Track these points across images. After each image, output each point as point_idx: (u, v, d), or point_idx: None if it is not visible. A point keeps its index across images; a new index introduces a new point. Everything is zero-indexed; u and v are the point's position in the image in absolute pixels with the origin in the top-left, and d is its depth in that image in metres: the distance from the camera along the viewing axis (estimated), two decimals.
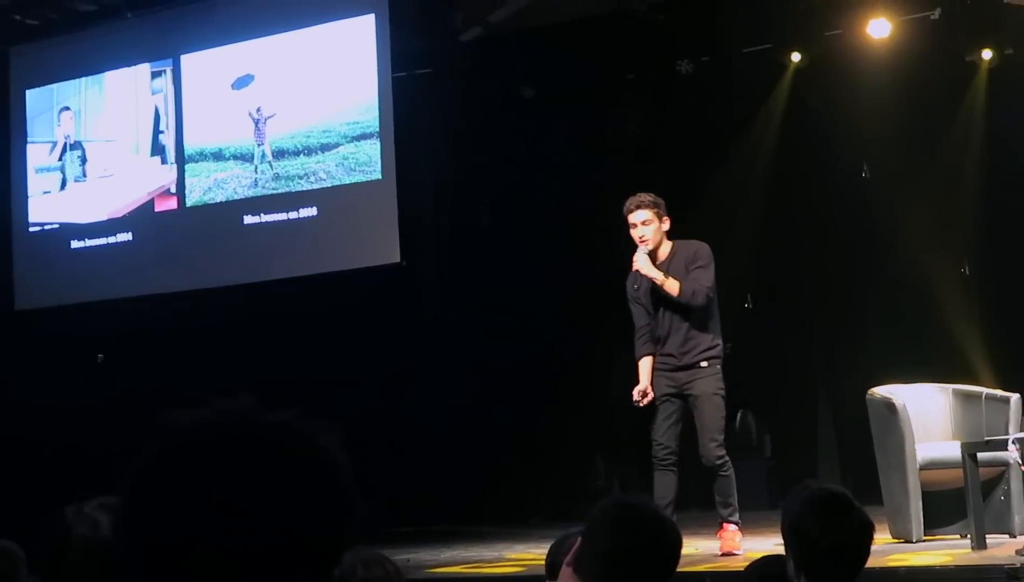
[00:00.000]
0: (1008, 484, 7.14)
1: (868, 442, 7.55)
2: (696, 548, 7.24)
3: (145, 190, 10.70)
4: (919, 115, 10.20)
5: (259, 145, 10.23)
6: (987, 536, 6.62)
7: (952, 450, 6.97)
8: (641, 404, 7.18)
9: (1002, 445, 6.75)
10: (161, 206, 10.65)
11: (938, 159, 10.31)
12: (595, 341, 11.20)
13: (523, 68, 11.19)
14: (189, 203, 10.51)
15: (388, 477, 9.77)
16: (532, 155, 11.28)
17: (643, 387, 7.17)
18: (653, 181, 11.34)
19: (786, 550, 3.04)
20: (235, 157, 10.32)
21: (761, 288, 10.92)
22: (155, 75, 10.70)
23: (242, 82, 10.31)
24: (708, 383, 6.99)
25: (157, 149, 10.68)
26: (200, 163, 10.45)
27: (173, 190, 10.58)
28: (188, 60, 10.55)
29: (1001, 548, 6.56)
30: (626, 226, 7.14)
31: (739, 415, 10.71)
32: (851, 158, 10.59)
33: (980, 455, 6.78)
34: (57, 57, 10.99)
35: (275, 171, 10.15)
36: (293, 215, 10.04)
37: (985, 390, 7.66)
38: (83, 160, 10.99)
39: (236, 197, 10.32)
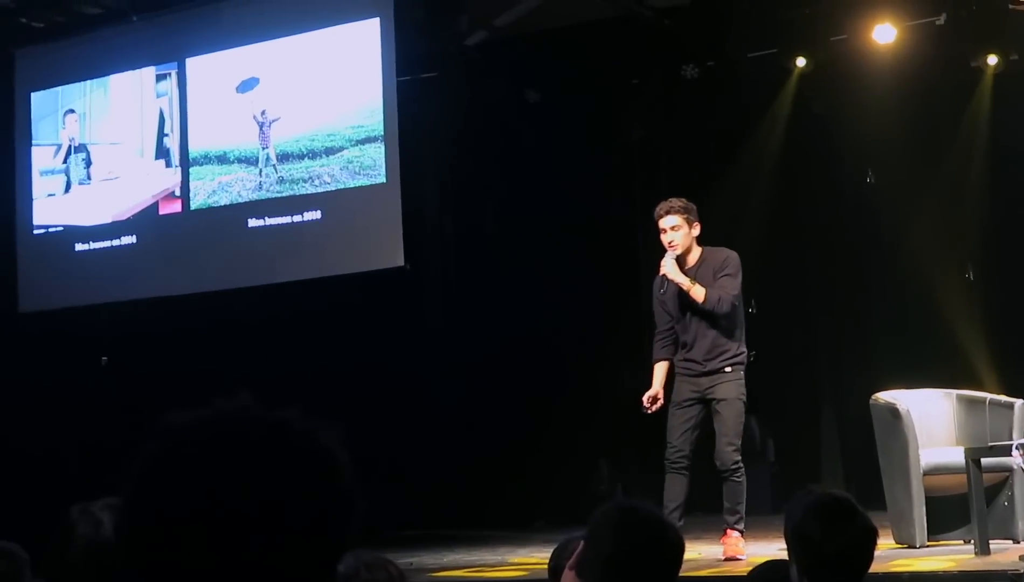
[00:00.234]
0: (1012, 490, 7.13)
1: (872, 447, 7.54)
2: (699, 553, 7.24)
3: (149, 193, 10.71)
4: (924, 120, 10.19)
5: (263, 148, 10.23)
6: (990, 542, 6.62)
7: (956, 456, 6.97)
8: (650, 411, 7.18)
9: (1006, 451, 6.74)
10: (165, 209, 10.65)
11: (943, 164, 10.31)
12: (599, 345, 11.21)
13: (528, 72, 11.20)
14: (193, 206, 10.52)
15: (391, 480, 9.78)
16: (536, 159, 11.28)
17: (653, 393, 7.17)
18: (658, 186, 11.39)
19: (789, 555, 3.04)
20: (239, 160, 10.32)
21: (765, 293, 10.90)
22: (160, 78, 10.70)
23: (247, 85, 10.32)
24: (731, 388, 7.01)
25: (162, 152, 10.69)
26: (204, 166, 10.45)
27: (177, 193, 10.58)
28: (193, 63, 10.55)
29: (1004, 554, 6.56)
30: (656, 230, 7.15)
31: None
32: (856, 163, 10.60)
33: (984, 461, 6.78)
34: (62, 60, 11.00)
35: (279, 174, 10.15)
36: (297, 218, 10.04)
37: (989, 396, 7.65)
38: (87, 163, 10.99)
39: (240, 200, 10.32)
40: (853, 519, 2.96)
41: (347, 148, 9.88)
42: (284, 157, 10.14)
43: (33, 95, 11.22)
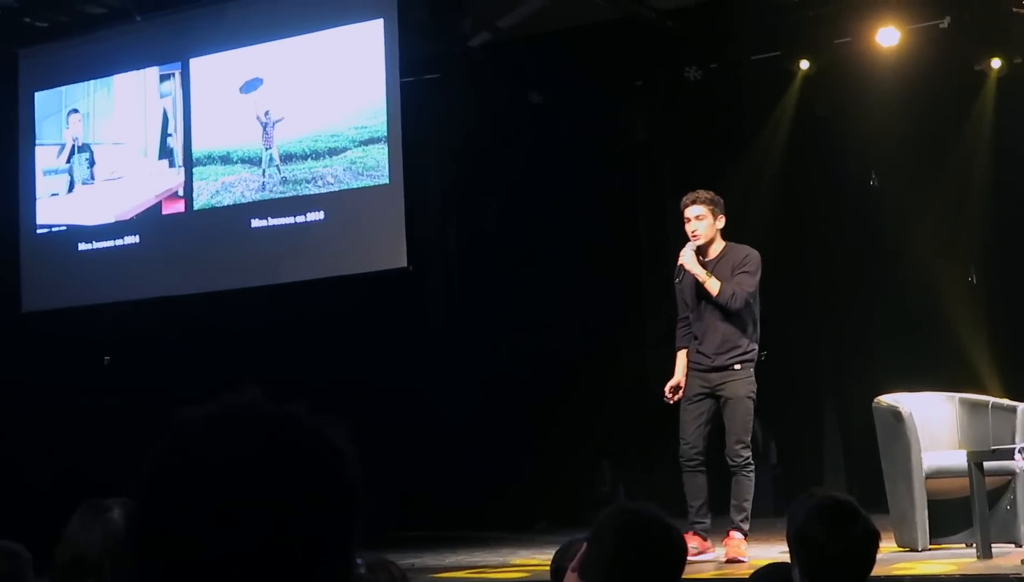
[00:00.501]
0: (1014, 493, 7.13)
1: (874, 450, 7.54)
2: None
3: (153, 193, 10.71)
4: (927, 124, 10.19)
5: (267, 149, 10.24)
6: (993, 545, 6.62)
7: (958, 459, 6.97)
8: (672, 400, 7.25)
9: (1008, 454, 6.74)
10: (168, 209, 10.66)
11: (946, 168, 10.31)
12: (602, 347, 11.21)
13: (531, 74, 11.20)
14: (196, 206, 10.52)
15: (394, 482, 9.78)
16: (539, 161, 11.29)
17: (675, 382, 7.25)
18: (661, 188, 11.40)
19: (791, 558, 3.04)
20: (243, 161, 10.33)
21: (768, 294, 10.89)
22: (164, 78, 10.71)
23: (250, 86, 10.32)
24: (740, 386, 7.06)
25: (165, 152, 10.69)
26: (208, 166, 10.46)
27: (181, 193, 10.59)
28: (197, 63, 10.56)
29: (1007, 557, 6.56)
30: (681, 221, 7.22)
31: None
32: (859, 166, 10.59)
33: (986, 464, 6.78)
34: (66, 60, 11.01)
35: (283, 175, 10.16)
36: (300, 219, 10.04)
37: (992, 399, 7.65)
38: (91, 163, 11.00)
39: (244, 201, 10.33)
40: (855, 522, 2.96)
41: (350, 149, 9.88)
42: (287, 158, 10.14)
43: (37, 95, 11.23)
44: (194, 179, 10.51)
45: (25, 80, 11.24)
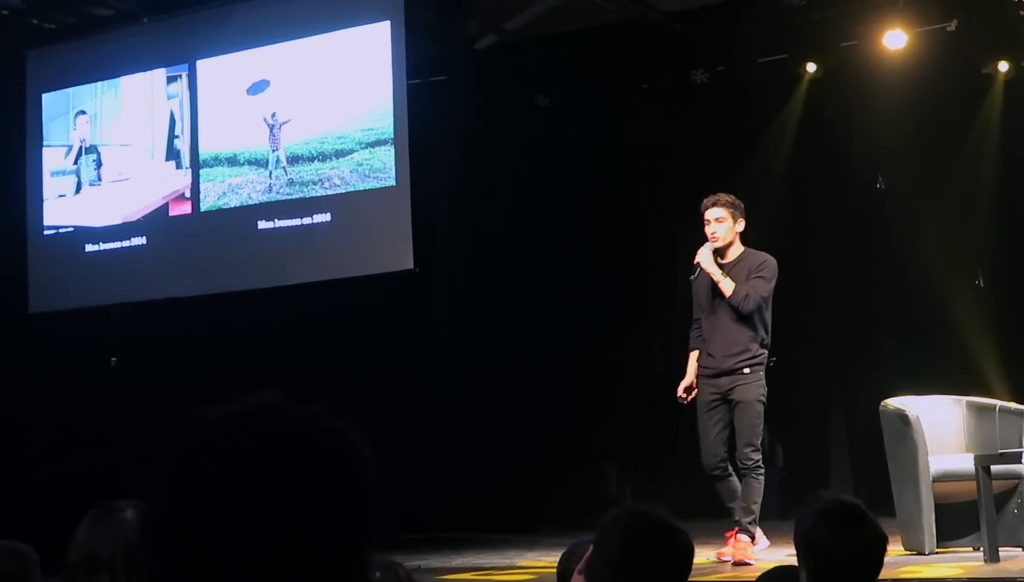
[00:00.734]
0: (1021, 497, 7.12)
1: (881, 454, 7.53)
2: (708, 557, 7.23)
3: (159, 194, 10.72)
4: (934, 127, 10.18)
5: (274, 151, 10.25)
6: (1000, 549, 6.61)
7: (965, 462, 6.96)
8: (687, 401, 7.31)
9: (1016, 458, 6.73)
10: (175, 210, 10.67)
11: (954, 171, 10.29)
12: (608, 349, 11.20)
13: (538, 76, 11.20)
14: (203, 208, 10.53)
15: (400, 483, 9.77)
16: (546, 163, 11.29)
17: (688, 382, 7.33)
18: (667, 190, 11.40)
19: (799, 561, 3.03)
20: (250, 162, 10.33)
21: (774, 297, 10.88)
22: (171, 80, 10.72)
23: (257, 88, 10.33)
24: (750, 389, 7.13)
25: (172, 154, 10.70)
26: (215, 168, 10.47)
27: (187, 195, 10.59)
28: (204, 65, 10.57)
29: (1014, 561, 6.55)
30: (701, 222, 7.32)
31: None
32: (866, 169, 10.58)
33: (993, 468, 6.77)
34: (74, 61, 11.02)
35: (289, 177, 10.16)
36: (307, 221, 10.05)
37: (999, 402, 7.64)
38: (98, 164, 11.01)
39: (250, 202, 10.33)
40: (863, 525, 2.96)
41: (357, 151, 9.89)
42: (294, 159, 10.15)
43: (44, 96, 11.25)
44: (201, 181, 10.52)
45: (32, 81, 11.25)
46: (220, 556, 1.11)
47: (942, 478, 7.15)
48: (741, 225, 7.30)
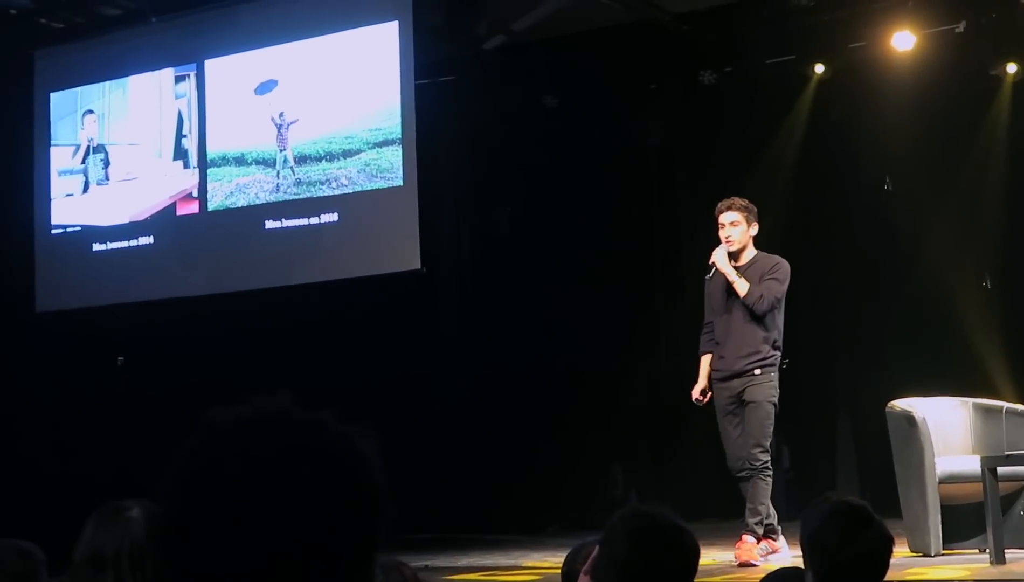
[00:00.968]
0: None
1: (887, 455, 7.52)
2: (713, 559, 7.23)
3: (167, 194, 10.73)
4: (942, 128, 10.17)
5: (281, 150, 10.25)
6: (1006, 551, 6.59)
7: (972, 464, 6.95)
8: (703, 402, 7.36)
9: (1022, 460, 6.72)
10: (183, 210, 10.68)
11: (961, 172, 10.28)
12: (614, 350, 11.20)
13: (546, 77, 11.20)
14: (211, 207, 10.54)
15: (406, 484, 9.77)
16: (553, 164, 11.29)
17: (702, 386, 7.37)
18: (674, 191, 11.41)
19: (805, 562, 3.03)
20: (257, 162, 10.34)
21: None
22: (179, 79, 10.73)
23: (265, 87, 10.34)
24: (761, 390, 7.18)
25: (180, 153, 10.71)
26: (222, 168, 10.48)
27: (195, 194, 10.61)
28: (212, 65, 10.58)
29: (1020, 563, 6.54)
30: (715, 226, 7.38)
31: None
32: (874, 170, 10.57)
33: (1000, 469, 6.75)
34: (82, 61, 11.04)
35: (297, 177, 10.17)
36: (314, 221, 10.06)
37: (1006, 404, 7.63)
38: (106, 163, 11.03)
39: (258, 202, 10.34)
40: (869, 526, 2.95)
41: (364, 151, 9.89)
42: (301, 159, 10.16)
43: (52, 95, 11.26)
44: (208, 180, 10.53)
45: (41, 81, 11.27)
46: (227, 559, 1.12)
47: (948, 480, 7.14)
48: (755, 229, 7.38)
